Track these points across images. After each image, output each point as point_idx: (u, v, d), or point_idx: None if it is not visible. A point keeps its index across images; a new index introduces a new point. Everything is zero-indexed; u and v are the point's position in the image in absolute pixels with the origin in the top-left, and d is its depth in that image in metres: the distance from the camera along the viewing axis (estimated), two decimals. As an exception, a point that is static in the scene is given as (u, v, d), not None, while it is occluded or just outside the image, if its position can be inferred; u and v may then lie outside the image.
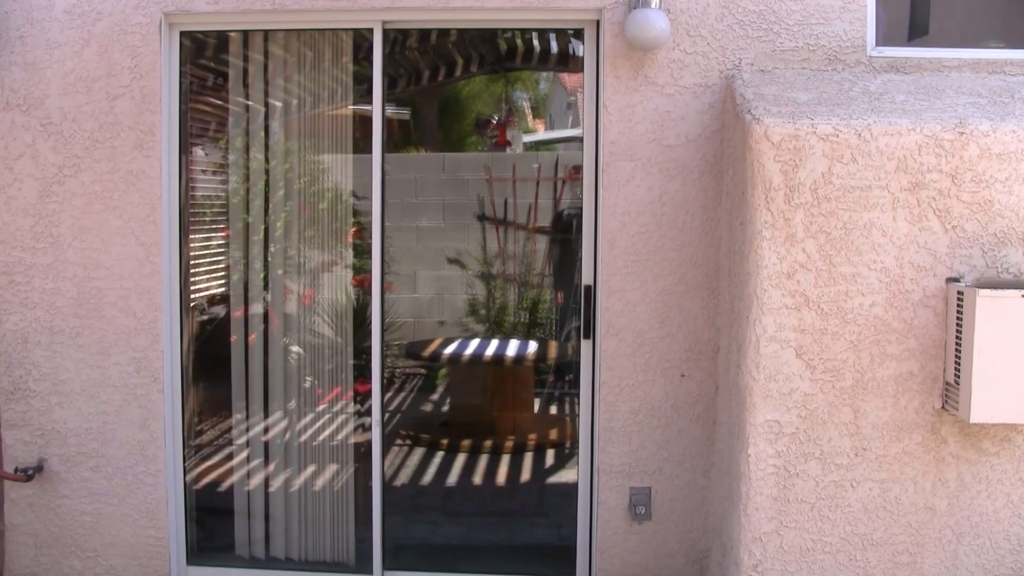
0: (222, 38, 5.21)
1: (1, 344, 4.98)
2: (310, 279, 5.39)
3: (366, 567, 5.18)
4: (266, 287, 5.33)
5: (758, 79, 4.51)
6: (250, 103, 5.30)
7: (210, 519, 5.38)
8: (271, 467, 5.37)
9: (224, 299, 5.48)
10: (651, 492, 4.86)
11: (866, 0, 4.64)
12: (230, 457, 5.43)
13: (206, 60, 5.30)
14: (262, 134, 5.31)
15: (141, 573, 5.07)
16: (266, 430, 5.37)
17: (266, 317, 5.33)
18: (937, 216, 3.96)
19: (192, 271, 5.26)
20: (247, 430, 5.36)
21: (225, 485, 5.44)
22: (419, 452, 7.18)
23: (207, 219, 5.49)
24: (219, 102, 5.42)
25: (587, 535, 5.03)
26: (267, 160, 5.29)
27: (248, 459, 5.39)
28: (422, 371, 9.24)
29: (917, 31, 5.01)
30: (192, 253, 5.23)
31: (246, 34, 5.17)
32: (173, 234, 4.99)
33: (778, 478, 4.12)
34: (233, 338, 5.33)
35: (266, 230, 5.29)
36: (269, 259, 5.30)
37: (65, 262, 4.92)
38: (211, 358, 5.40)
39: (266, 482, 5.38)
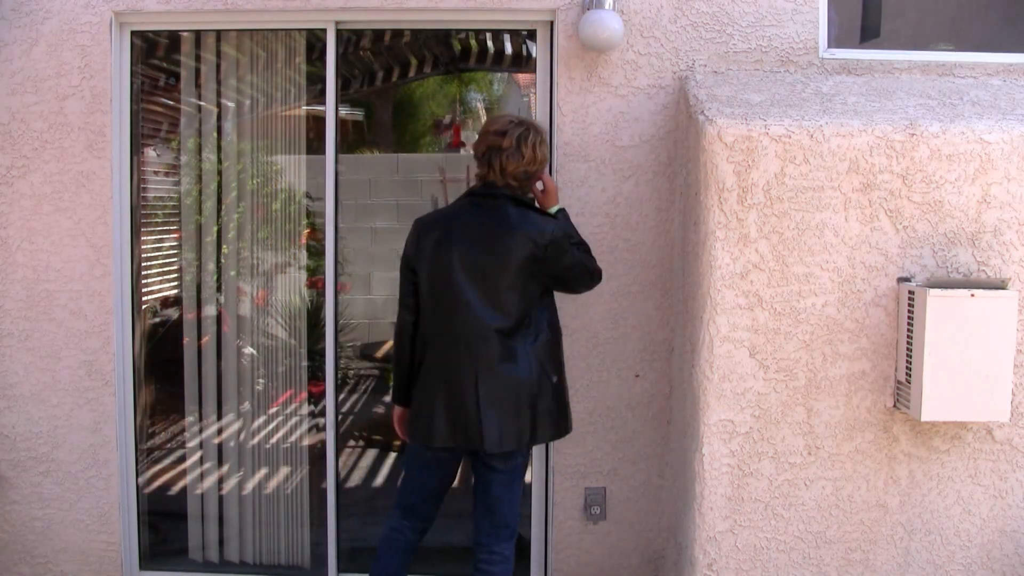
0: (174, 38, 5.16)
1: (-52, 347, 4.91)
2: (263, 281, 5.35)
3: (321, 570, 5.17)
4: (219, 289, 5.29)
5: (711, 80, 4.53)
6: (203, 103, 5.26)
7: (163, 523, 5.34)
8: (224, 469, 5.34)
9: (177, 301, 5.43)
10: (606, 492, 4.88)
11: (818, 2, 4.68)
12: (182, 460, 5.39)
13: (158, 60, 5.25)
14: (215, 135, 5.27)
15: (93, 578, 5.03)
16: (219, 432, 5.34)
17: (219, 319, 5.30)
18: (888, 216, 4.00)
19: (144, 273, 5.22)
20: (200, 432, 5.33)
21: (177, 488, 5.41)
22: (371, 453, 7.14)
23: (159, 220, 5.43)
24: (171, 102, 5.37)
25: (542, 535, 5.04)
26: (220, 161, 5.25)
27: (201, 461, 5.35)
28: (376, 372, 9.18)
29: (869, 33, 5.05)
30: (144, 255, 5.19)
31: (198, 34, 5.13)
32: (124, 236, 4.94)
33: (732, 477, 4.14)
34: (185, 340, 5.29)
35: (219, 231, 5.25)
36: (222, 260, 5.26)
37: (13, 264, 4.85)
38: (164, 360, 5.35)
39: (219, 485, 5.35)
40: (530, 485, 5.10)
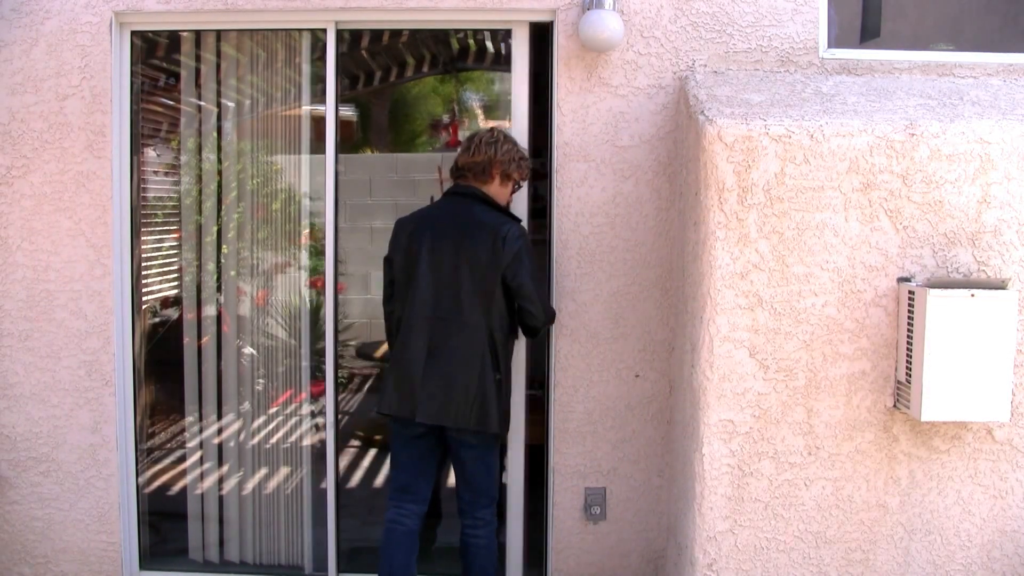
0: (174, 38, 5.16)
1: (-52, 347, 4.91)
2: (263, 281, 5.35)
3: (321, 570, 5.17)
4: (219, 289, 5.28)
5: (711, 80, 4.53)
6: (203, 103, 5.26)
7: (163, 523, 5.34)
8: (224, 469, 5.34)
9: (177, 301, 5.43)
10: (606, 492, 4.87)
11: (818, 2, 4.68)
12: (182, 460, 5.39)
13: (158, 60, 5.25)
14: (215, 135, 5.27)
15: (93, 578, 5.03)
16: (219, 432, 5.34)
17: (219, 319, 5.29)
18: (888, 216, 4.00)
19: (144, 273, 5.21)
20: (200, 432, 5.32)
21: (177, 488, 5.41)
22: (371, 453, 7.13)
23: (159, 220, 5.43)
24: (171, 102, 5.36)
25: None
26: (220, 161, 5.25)
27: (201, 461, 5.35)
28: (376, 372, 9.17)
29: (869, 33, 5.04)
30: (144, 255, 5.18)
31: (198, 34, 5.13)
32: (124, 236, 4.94)
33: (732, 477, 4.14)
34: (185, 340, 5.29)
35: (219, 231, 5.25)
36: (222, 260, 5.26)
37: (14, 264, 4.85)
38: (164, 360, 5.35)
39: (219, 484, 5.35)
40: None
